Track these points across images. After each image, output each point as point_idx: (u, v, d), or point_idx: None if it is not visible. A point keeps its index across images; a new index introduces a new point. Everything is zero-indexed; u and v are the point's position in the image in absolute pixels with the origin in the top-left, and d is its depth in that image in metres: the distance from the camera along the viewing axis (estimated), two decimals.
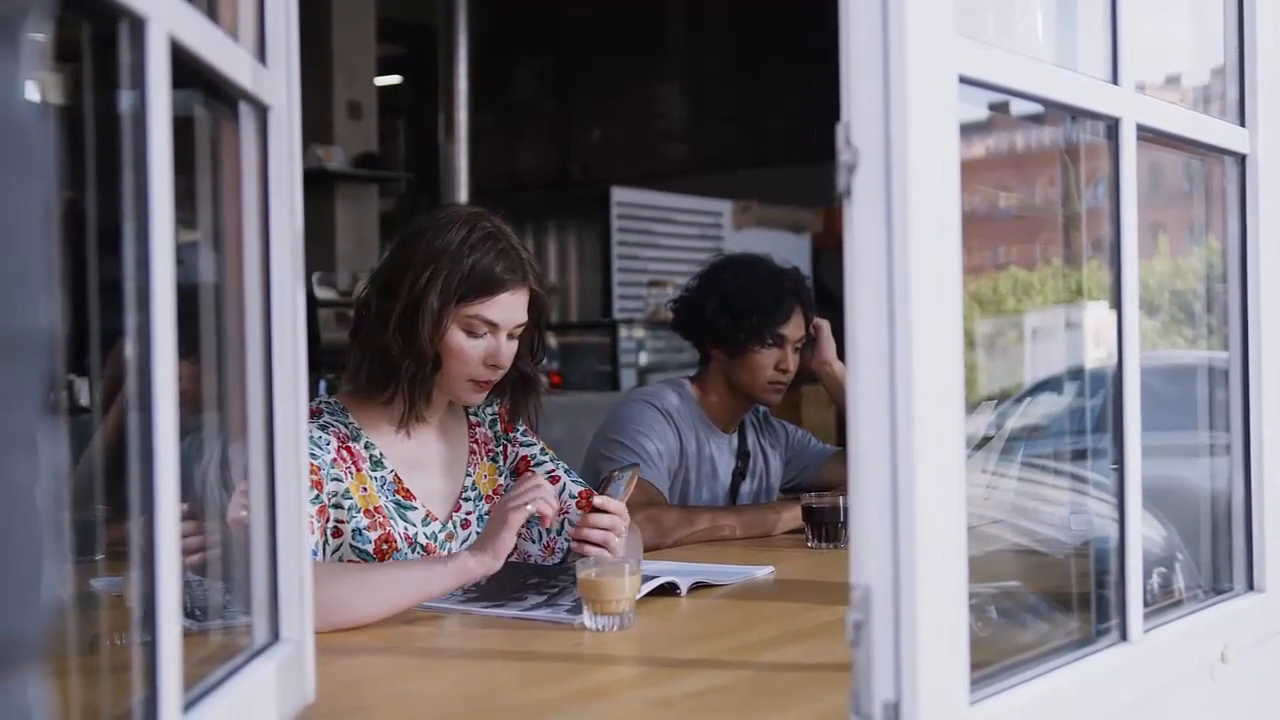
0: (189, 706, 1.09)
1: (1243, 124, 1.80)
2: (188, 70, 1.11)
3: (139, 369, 1.00)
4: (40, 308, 0.57)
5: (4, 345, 0.55)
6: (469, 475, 2.33)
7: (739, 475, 3.12)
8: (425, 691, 1.60)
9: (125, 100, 1.01)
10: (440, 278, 2.13)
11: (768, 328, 2.96)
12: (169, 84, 1.02)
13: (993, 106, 1.45)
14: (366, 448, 2.21)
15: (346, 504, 2.12)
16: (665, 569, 2.18)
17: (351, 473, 2.16)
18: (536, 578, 2.12)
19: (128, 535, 1.08)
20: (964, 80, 1.24)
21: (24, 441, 0.56)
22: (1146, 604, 1.54)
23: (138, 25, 0.99)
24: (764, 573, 2.33)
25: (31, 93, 0.59)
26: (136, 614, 1.09)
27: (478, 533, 2.27)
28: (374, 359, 2.18)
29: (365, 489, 2.17)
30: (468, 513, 2.30)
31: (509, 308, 2.19)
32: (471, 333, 2.17)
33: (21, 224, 0.55)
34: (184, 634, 1.05)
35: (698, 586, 2.16)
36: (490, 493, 2.34)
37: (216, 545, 1.52)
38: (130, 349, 1.01)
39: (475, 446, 2.36)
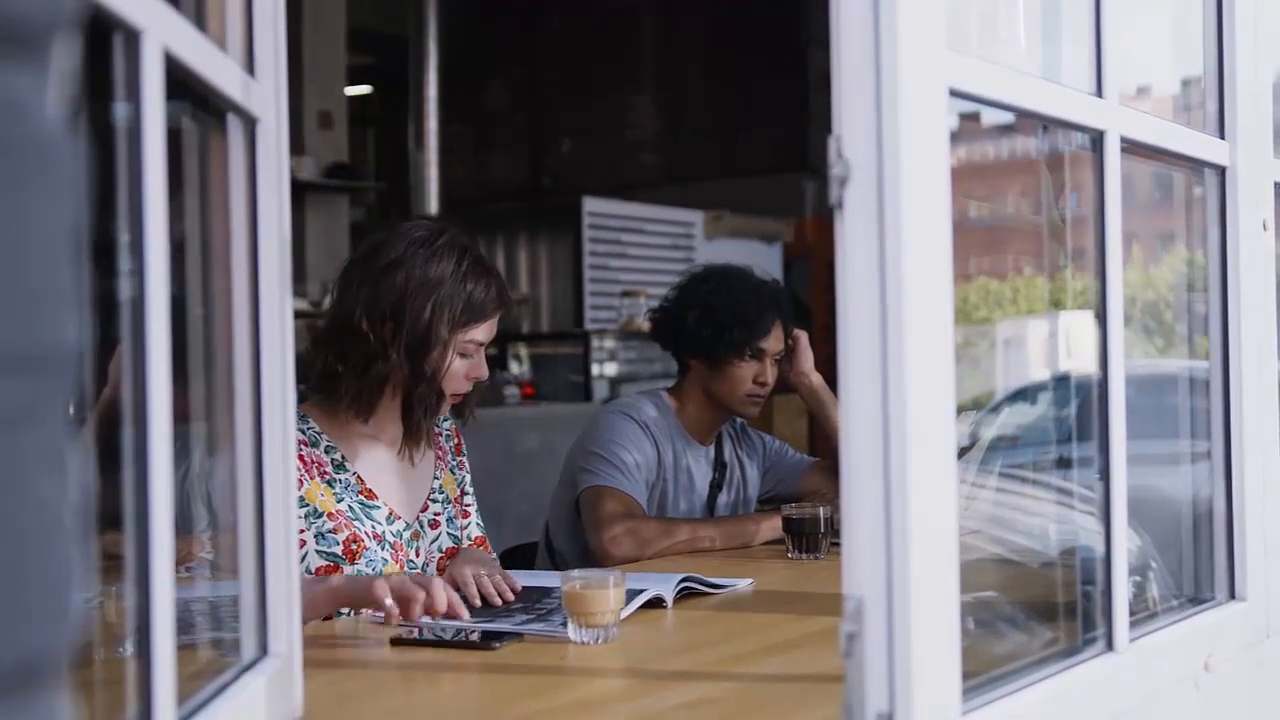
0: None
1: (1222, 136, 1.81)
2: (178, 82, 1.10)
3: (133, 381, 0.99)
4: (68, 325, 0.57)
5: (35, 361, 0.55)
6: (436, 478, 2.40)
7: (716, 487, 3.12)
8: (413, 706, 1.60)
9: (119, 111, 1.01)
10: (445, 309, 2.21)
11: (748, 341, 2.96)
12: (163, 96, 1.02)
13: (964, 116, 1.46)
14: (327, 452, 2.25)
15: (303, 510, 2.14)
16: (647, 581, 2.18)
17: (308, 479, 2.20)
18: (523, 600, 2.11)
19: (109, 548, 1.07)
20: (954, 93, 1.24)
21: (53, 460, 0.56)
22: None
23: (132, 37, 0.99)
24: (745, 584, 2.33)
25: (59, 108, 0.58)
26: (124, 628, 1.08)
27: (448, 533, 2.37)
28: (374, 385, 2.23)
29: (324, 494, 2.21)
30: (435, 513, 2.38)
31: (494, 327, 2.31)
32: (464, 354, 2.26)
33: (52, 241, 0.55)
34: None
35: (685, 594, 2.16)
36: (453, 499, 2.42)
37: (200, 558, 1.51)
38: (125, 362, 1.00)
39: (440, 453, 2.44)
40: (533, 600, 2.11)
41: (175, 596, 1.03)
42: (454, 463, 2.45)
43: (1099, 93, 1.52)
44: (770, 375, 3.00)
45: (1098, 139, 1.52)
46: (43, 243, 0.55)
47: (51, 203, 0.56)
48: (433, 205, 8.33)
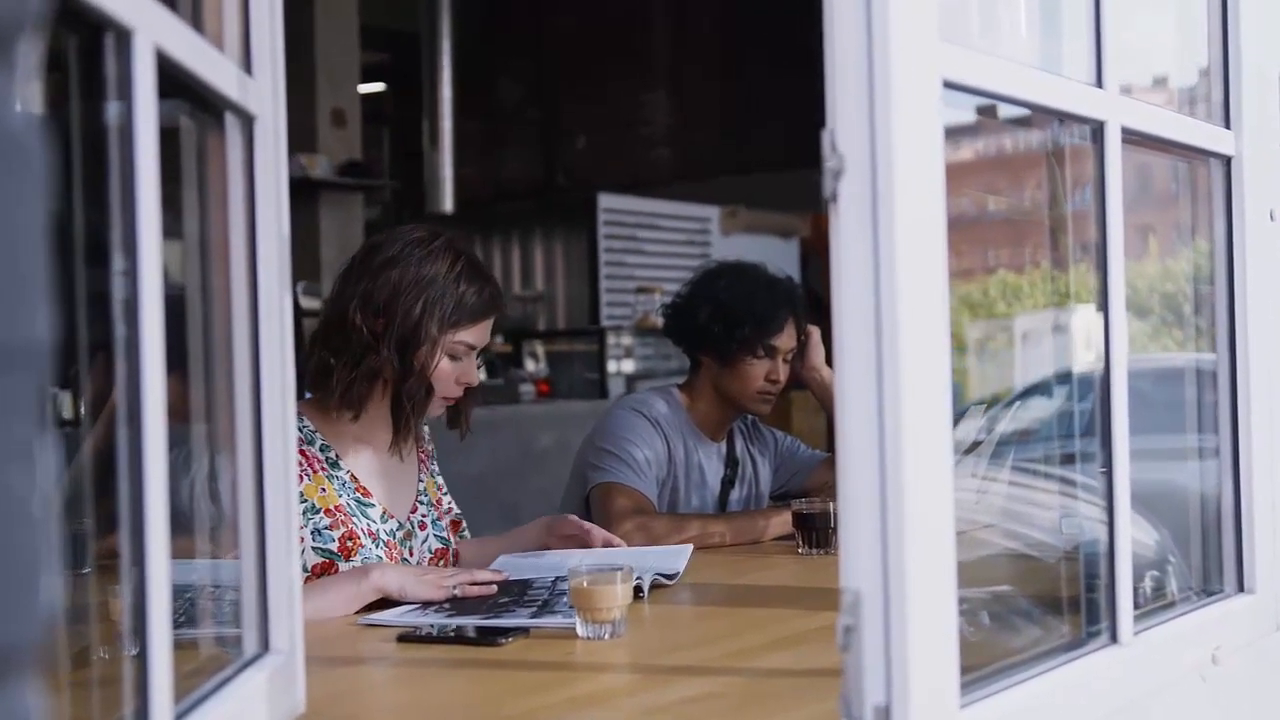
0: (180, 718, 1.09)
1: (1228, 126, 1.80)
2: (173, 80, 1.11)
3: (128, 382, 1.00)
4: (39, 319, 0.58)
5: (3, 356, 0.55)
6: (420, 481, 2.44)
7: (728, 483, 3.12)
8: (416, 702, 1.60)
9: (111, 111, 1.01)
10: (436, 307, 2.24)
11: (760, 338, 2.95)
12: (155, 95, 1.02)
13: (980, 110, 1.46)
14: (322, 450, 2.29)
15: (301, 507, 2.17)
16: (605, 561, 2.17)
17: (308, 475, 2.23)
18: (506, 597, 2.10)
19: (115, 548, 1.08)
20: (948, 85, 1.24)
21: (22, 452, 0.57)
22: (1138, 607, 1.54)
23: (124, 37, 0.99)
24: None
25: (27, 105, 0.59)
26: (124, 626, 1.09)
27: (435, 535, 2.41)
28: (364, 379, 2.25)
29: (324, 489, 2.24)
30: (423, 516, 2.42)
31: (487, 331, 2.34)
32: (453, 356, 2.29)
33: (20, 235, 0.56)
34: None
35: (656, 586, 2.19)
36: (434, 501, 2.45)
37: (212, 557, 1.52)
38: (118, 362, 1.00)
39: (423, 457, 2.48)
40: (518, 595, 2.11)
41: (172, 591, 1.04)
42: (433, 467, 2.51)
43: (1099, 83, 1.51)
44: (782, 373, 3.00)
45: (1098, 130, 1.51)
46: (11, 238, 0.56)
47: (20, 198, 0.57)
48: (447, 203, 8.35)
